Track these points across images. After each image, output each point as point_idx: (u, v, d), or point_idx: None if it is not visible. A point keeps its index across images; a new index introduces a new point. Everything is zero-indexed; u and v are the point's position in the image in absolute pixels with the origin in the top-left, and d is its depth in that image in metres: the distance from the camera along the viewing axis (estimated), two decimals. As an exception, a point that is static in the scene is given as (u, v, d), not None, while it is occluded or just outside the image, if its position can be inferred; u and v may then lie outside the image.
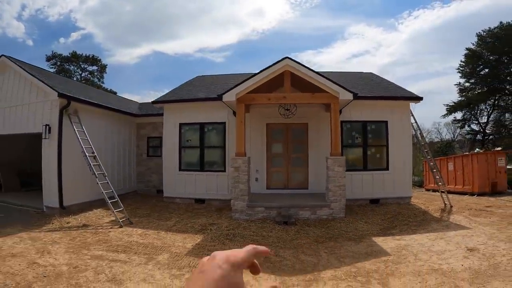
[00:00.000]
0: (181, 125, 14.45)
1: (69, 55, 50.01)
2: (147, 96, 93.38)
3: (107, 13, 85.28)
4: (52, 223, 10.07)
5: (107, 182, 11.41)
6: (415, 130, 14.57)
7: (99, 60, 53.00)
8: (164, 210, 12.56)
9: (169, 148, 14.52)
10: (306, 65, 11.29)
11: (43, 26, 74.34)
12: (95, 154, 11.79)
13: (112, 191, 11.26)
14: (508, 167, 19.69)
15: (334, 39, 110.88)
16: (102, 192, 10.91)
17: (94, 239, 8.56)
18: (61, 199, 11.52)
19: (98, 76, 52.99)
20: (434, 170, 15.18)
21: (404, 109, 13.97)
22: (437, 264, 6.76)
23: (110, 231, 9.45)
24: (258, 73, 11.17)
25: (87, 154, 11.44)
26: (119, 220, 10.22)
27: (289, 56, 11.09)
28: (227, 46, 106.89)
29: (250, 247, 0.72)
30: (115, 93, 46.42)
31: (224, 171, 13.93)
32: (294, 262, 7.12)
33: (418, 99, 13.96)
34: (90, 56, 51.95)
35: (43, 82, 11.87)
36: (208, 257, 0.69)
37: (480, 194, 17.71)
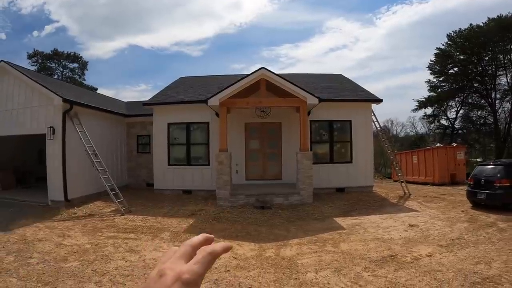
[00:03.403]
0: (169, 124, 15.96)
1: (50, 53, 49.75)
2: (122, 90, 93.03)
3: (81, 5, 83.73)
4: (61, 214, 11.32)
5: (108, 177, 12.81)
6: (376, 128, 16.44)
7: (80, 57, 52.87)
8: (156, 200, 14.02)
9: (159, 145, 15.96)
10: (279, 73, 13.22)
11: (16, 18, 72.70)
12: (96, 152, 13.11)
13: (113, 184, 12.64)
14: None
15: (312, 33, 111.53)
16: (105, 185, 12.30)
17: (103, 225, 10.05)
18: (66, 193, 12.76)
19: (79, 73, 52.84)
20: (394, 163, 17.20)
21: (366, 109, 15.91)
22: (380, 235, 8.74)
23: (114, 218, 10.93)
24: (238, 81, 12.91)
25: (89, 152, 12.81)
26: (120, 209, 11.67)
27: (264, 67, 12.97)
28: (203, 39, 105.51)
29: (205, 253, 0.62)
30: (96, 89, 47.03)
31: (208, 165, 15.51)
32: (269, 234, 9.01)
33: (378, 101, 15.87)
34: (72, 53, 51.80)
35: (47, 88, 13.02)
36: (158, 271, 0.59)
37: (440, 184, 19.65)
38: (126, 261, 6.82)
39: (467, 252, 7.04)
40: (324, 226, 9.84)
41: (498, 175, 11.53)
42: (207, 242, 0.68)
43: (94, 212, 11.83)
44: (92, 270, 6.30)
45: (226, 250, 0.67)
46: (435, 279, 5.66)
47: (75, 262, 6.72)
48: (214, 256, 0.63)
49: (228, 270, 6.28)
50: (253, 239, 8.50)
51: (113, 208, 12.14)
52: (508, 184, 11.16)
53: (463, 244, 7.63)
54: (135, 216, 11.24)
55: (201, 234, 0.69)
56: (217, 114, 14.11)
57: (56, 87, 14.63)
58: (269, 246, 7.91)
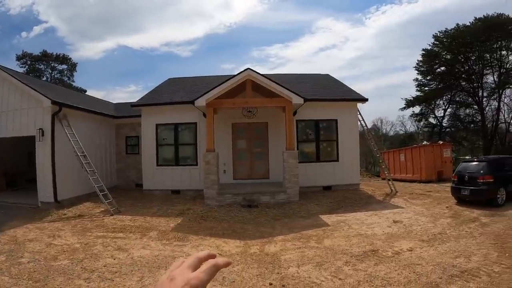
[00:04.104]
0: (157, 125, 16.08)
1: (39, 54, 49.30)
2: (112, 91, 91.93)
3: (71, 5, 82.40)
4: (51, 215, 11.35)
5: (97, 178, 12.89)
6: (363, 127, 16.67)
7: (69, 59, 52.40)
8: (145, 201, 14.13)
9: (148, 146, 16.09)
10: (265, 73, 13.45)
11: (4, 19, 70.74)
12: (85, 153, 13.16)
13: (102, 185, 12.72)
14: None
15: (302, 33, 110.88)
16: (94, 186, 12.39)
17: (93, 225, 10.16)
18: (56, 194, 12.79)
19: (68, 75, 52.29)
20: (381, 161, 17.43)
21: (352, 109, 16.14)
22: (364, 231, 8.95)
23: (103, 219, 11.03)
24: (224, 82, 13.08)
25: (78, 153, 12.87)
26: (110, 209, 11.78)
27: (250, 68, 13.17)
28: (193, 39, 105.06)
29: (210, 265, 0.72)
30: (85, 91, 46.94)
31: (196, 165, 15.66)
32: (255, 232, 9.21)
33: (364, 100, 16.13)
34: (61, 55, 51.34)
35: (36, 90, 13.01)
36: (168, 276, 0.69)
37: (427, 182, 19.99)
38: (114, 259, 6.96)
39: (448, 247, 7.24)
40: (309, 223, 10.02)
41: (482, 171, 11.86)
42: (210, 257, 0.77)
43: (84, 213, 11.89)
44: (81, 267, 6.45)
45: (227, 264, 0.76)
46: (414, 272, 5.85)
47: (65, 260, 6.86)
48: (217, 268, 0.72)
49: (212, 266, 6.41)
50: (239, 237, 8.67)
51: (103, 209, 12.23)
52: (491, 180, 11.49)
53: (444, 239, 7.84)
54: (124, 216, 11.36)
55: (205, 251, 0.79)
56: (204, 115, 14.21)
57: (45, 89, 14.62)
58: (254, 243, 8.09)
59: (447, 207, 11.75)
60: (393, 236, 8.29)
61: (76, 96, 20.91)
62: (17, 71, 15.20)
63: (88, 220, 10.85)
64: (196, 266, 0.72)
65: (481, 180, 11.62)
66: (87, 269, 6.35)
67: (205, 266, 0.72)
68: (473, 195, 11.81)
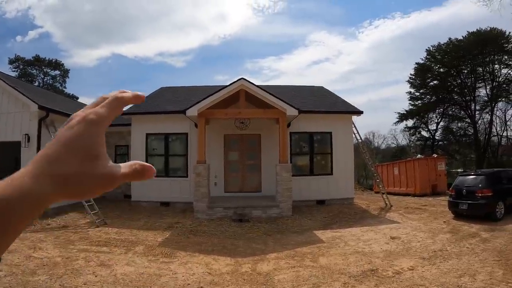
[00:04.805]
0: (147, 135, 15.66)
1: (32, 59, 48.96)
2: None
3: (66, 11, 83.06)
4: (34, 225, 10.88)
5: (83, 188, 12.45)
6: (357, 140, 16.42)
7: (62, 65, 52.16)
8: (133, 212, 13.71)
9: (137, 155, 15.53)
10: (259, 84, 13.20)
11: (0, 22, 70.45)
12: None
13: (88, 195, 12.29)
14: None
15: (296, 46, 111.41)
16: (79, 196, 11.96)
17: (76, 237, 9.72)
18: None
19: (60, 81, 52.00)
20: (375, 174, 17.16)
21: (346, 121, 15.90)
22: (361, 248, 8.58)
23: (88, 230, 10.60)
24: (217, 91, 12.78)
25: None
26: (95, 221, 11.36)
27: (244, 77, 12.84)
28: (188, 50, 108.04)
29: (112, 98, 0.60)
30: (77, 98, 46.27)
31: (187, 176, 15.23)
32: (246, 248, 8.78)
33: (359, 112, 15.88)
34: (53, 60, 51.09)
35: (23, 94, 12.76)
36: (68, 119, 0.58)
37: (422, 195, 19.78)
38: (96, 276, 6.56)
39: (450, 265, 6.94)
40: (303, 239, 9.65)
41: (480, 185, 11.71)
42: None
43: (69, 224, 11.51)
44: (60, 284, 6.05)
45: (137, 98, 0.62)
46: (418, 294, 5.54)
47: (44, 275, 6.47)
48: (121, 101, 0.60)
49: (201, 287, 6.04)
50: (230, 254, 8.25)
51: (88, 220, 11.81)
52: (490, 194, 11.32)
53: (446, 256, 7.54)
54: (110, 228, 10.94)
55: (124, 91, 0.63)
56: (196, 125, 13.88)
57: (34, 94, 14.38)
58: (245, 261, 7.68)
59: (444, 221, 11.50)
60: (392, 254, 7.95)
61: (67, 102, 20.57)
62: (5, 74, 14.84)
63: (72, 232, 10.41)
64: (99, 104, 0.59)
65: (480, 194, 11.43)
66: (66, 287, 5.96)
67: (107, 100, 0.59)
68: (471, 209, 11.59)
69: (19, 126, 12.76)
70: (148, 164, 0.60)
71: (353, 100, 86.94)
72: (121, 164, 0.58)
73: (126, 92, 0.62)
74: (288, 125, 14.32)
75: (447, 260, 7.24)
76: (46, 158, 0.53)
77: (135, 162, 0.59)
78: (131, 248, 8.66)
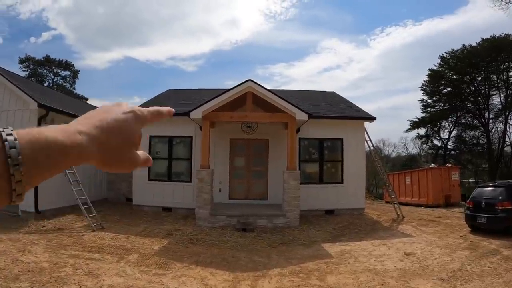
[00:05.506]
0: (151, 137, 15.15)
1: (42, 59, 48.97)
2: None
3: (80, 14, 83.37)
4: (29, 227, 10.59)
5: (81, 189, 12.00)
6: (369, 147, 15.77)
7: (72, 66, 52.13)
8: (133, 217, 13.22)
9: (139, 158, 15.05)
10: (267, 87, 12.62)
11: (14, 23, 71.75)
12: None
13: (86, 197, 11.84)
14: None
15: (307, 53, 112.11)
16: (77, 198, 11.50)
17: (70, 241, 9.26)
18: (37, 204, 12.05)
19: (70, 81, 52.10)
20: (387, 184, 16.46)
21: (358, 128, 15.25)
22: (373, 265, 7.91)
23: (84, 235, 10.13)
24: (223, 93, 12.24)
25: None
26: (91, 225, 10.86)
27: (252, 79, 12.27)
28: (199, 55, 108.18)
29: (155, 109, 0.75)
30: (86, 99, 46.58)
31: (190, 181, 14.68)
32: (247, 262, 8.16)
33: (372, 118, 15.21)
34: (63, 61, 51.11)
35: (23, 91, 12.39)
36: (115, 103, 0.71)
37: (434, 206, 19.11)
38: (80, 287, 6.10)
39: (472, 287, 6.34)
40: (310, 253, 9.04)
41: (500, 197, 10.97)
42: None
43: (64, 226, 11.09)
44: (41, 293, 5.54)
45: (169, 112, 0.80)
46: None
47: (26, 282, 6.08)
48: (159, 112, 0.77)
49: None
50: (229, 267, 7.66)
51: (85, 223, 11.36)
52: (510, 207, 10.55)
53: (466, 277, 6.91)
54: (106, 233, 10.45)
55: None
56: (201, 128, 13.32)
57: (39, 93, 14.09)
58: (245, 276, 7.07)
59: (461, 236, 10.82)
60: (407, 273, 7.26)
61: (72, 102, 20.19)
62: (8, 71, 14.45)
63: (66, 235, 9.96)
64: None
65: (500, 207, 10.68)
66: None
67: (151, 108, 0.75)
68: (490, 223, 10.88)
69: (19, 124, 12.08)
70: (149, 156, 0.77)
71: (363, 107, 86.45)
72: (139, 152, 0.73)
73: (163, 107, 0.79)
74: (297, 130, 13.72)
75: (468, 282, 6.61)
76: (100, 128, 0.64)
77: (144, 153, 0.75)
78: (124, 256, 8.16)
